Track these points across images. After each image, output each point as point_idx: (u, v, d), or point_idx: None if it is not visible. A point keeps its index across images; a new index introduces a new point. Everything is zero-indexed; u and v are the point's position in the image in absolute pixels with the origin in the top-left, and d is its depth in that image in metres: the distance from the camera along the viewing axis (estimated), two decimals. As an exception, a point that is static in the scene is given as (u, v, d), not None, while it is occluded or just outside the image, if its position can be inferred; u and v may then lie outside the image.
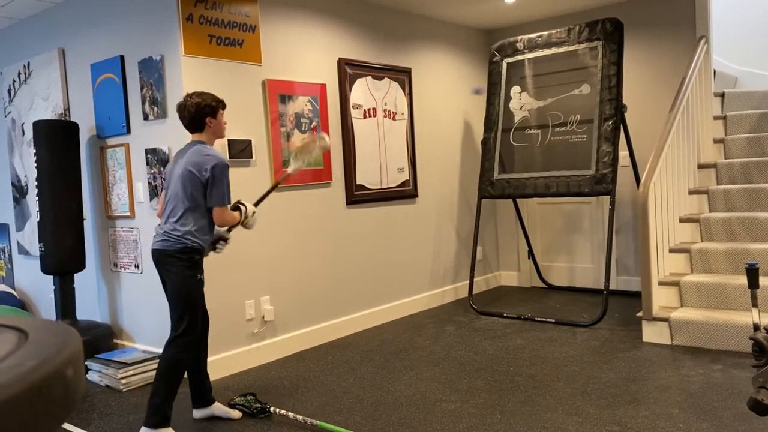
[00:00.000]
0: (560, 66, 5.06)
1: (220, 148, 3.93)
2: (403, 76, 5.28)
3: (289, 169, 3.47)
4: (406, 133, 5.33)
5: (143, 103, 4.03)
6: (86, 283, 4.62)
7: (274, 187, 3.40)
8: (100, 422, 3.29)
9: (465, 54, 6.02)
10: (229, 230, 3.23)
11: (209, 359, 3.81)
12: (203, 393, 3.22)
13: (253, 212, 3.21)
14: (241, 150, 4.04)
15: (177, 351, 2.96)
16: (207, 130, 3.10)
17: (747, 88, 6.06)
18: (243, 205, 3.19)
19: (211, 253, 3.24)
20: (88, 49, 4.42)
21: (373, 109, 5.02)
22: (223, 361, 3.95)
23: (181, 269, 2.97)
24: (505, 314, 5.07)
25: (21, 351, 0.70)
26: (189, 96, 3.08)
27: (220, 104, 3.12)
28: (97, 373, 3.95)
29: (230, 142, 3.98)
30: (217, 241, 3.19)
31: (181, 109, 3.08)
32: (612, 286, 5.63)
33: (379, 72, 5.06)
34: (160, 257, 3.00)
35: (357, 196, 4.86)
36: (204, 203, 3.01)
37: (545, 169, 5.01)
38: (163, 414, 2.94)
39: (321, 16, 4.63)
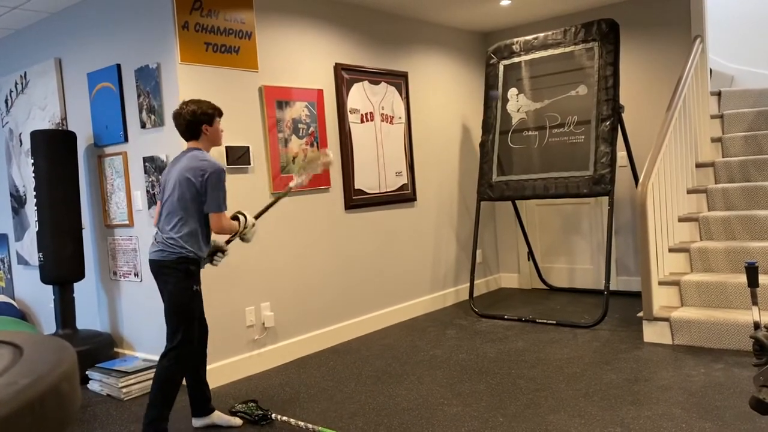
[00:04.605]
0: (557, 67, 5.06)
1: (217, 155, 3.93)
2: (399, 80, 5.29)
3: (292, 184, 3.43)
4: (404, 136, 5.33)
5: (140, 112, 4.04)
6: (86, 292, 4.62)
7: (276, 201, 3.38)
8: (102, 432, 3.29)
9: (461, 57, 6.03)
10: (227, 242, 3.20)
11: (210, 367, 3.81)
12: (202, 402, 3.21)
13: (253, 224, 3.16)
14: (238, 156, 4.04)
15: (171, 363, 2.93)
16: (203, 138, 3.07)
17: (743, 87, 6.06)
18: (242, 215, 3.15)
19: (208, 266, 3.20)
20: (85, 59, 4.42)
21: (371, 113, 5.03)
22: (223, 369, 3.94)
23: (177, 280, 2.94)
24: (506, 316, 5.07)
25: (15, 368, 0.70)
26: (185, 104, 3.05)
27: (217, 112, 3.10)
28: (98, 383, 3.94)
29: (228, 149, 3.98)
30: (214, 253, 3.15)
31: (177, 117, 3.05)
32: (612, 287, 5.63)
33: (375, 76, 5.07)
34: (156, 267, 2.98)
35: (356, 200, 4.86)
36: (200, 212, 2.98)
37: (544, 170, 5.01)
38: (159, 427, 2.92)
39: (317, 22, 4.64)
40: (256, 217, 3.26)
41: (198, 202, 2.97)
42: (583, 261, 5.88)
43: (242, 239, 3.17)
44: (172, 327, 2.96)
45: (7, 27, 4.88)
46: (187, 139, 3.08)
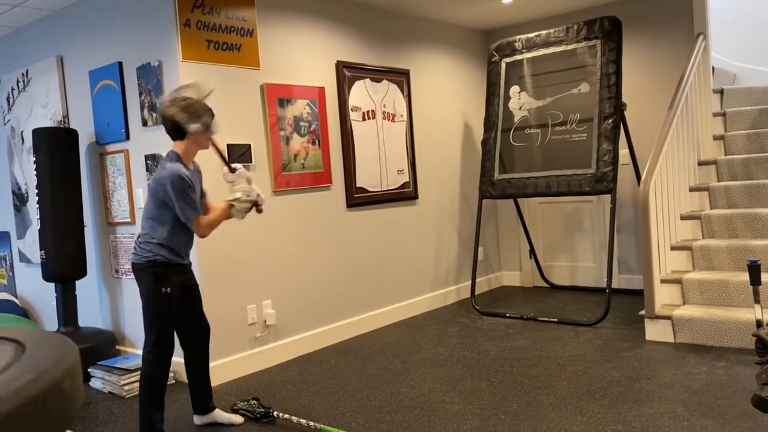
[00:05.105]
0: (559, 65, 5.05)
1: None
2: (401, 77, 5.28)
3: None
4: (406, 134, 5.32)
5: (142, 109, 4.03)
6: (88, 289, 4.62)
7: (219, 151, 3.11)
8: (104, 429, 3.29)
9: (463, 55, 6.02)
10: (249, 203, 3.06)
11: (212, 364, 3.81)
12: (203, 399, 3.21)
13: (245, 190, 3.00)
14: (240, 154, 4.04)
15: (150, 365, 2.93)
16: (188, 138, 2.96)
17: (746, 84, 6.05)
18: (232, 203, 3.01)
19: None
20: (87, 56, 4.42)
21: (372, 111, 5.02)
22: (225, 366, 3.94)
23: (147, 283, 2.92)
24: (507, 314, 5.06)
25: (19, 364, 0.70)
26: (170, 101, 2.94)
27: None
28: (99, 380, 3.95)
29: (229, 146, 3.98)
30: (251, 208, 3.06)
31: (161, 114, 2.96)
32: (614, 285, 5.62)
33: (377, 74, 5.06)
34: (132, 270, 2.99)
35: (357, 198, 4.86)
36: (172, 219, 2.92)
37: (546, 168, 5.01)
38: (153, 428, 2.93)
39: (318, 20, 4.63)
40: (232, 170, 3.05)
41: (165, 210, 2.91)
42: (585, 259, 5.88)
43: (250, 197, 3.04)
44: (146, 329, 2.96)
45: (8, 25, 4.88)
46: (172, 139, 2.99)
